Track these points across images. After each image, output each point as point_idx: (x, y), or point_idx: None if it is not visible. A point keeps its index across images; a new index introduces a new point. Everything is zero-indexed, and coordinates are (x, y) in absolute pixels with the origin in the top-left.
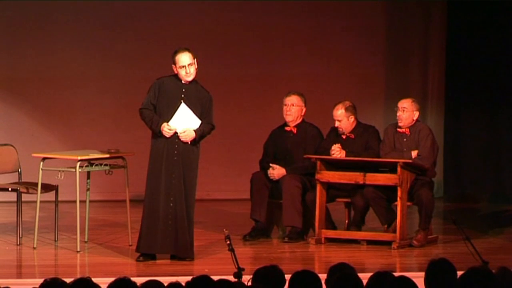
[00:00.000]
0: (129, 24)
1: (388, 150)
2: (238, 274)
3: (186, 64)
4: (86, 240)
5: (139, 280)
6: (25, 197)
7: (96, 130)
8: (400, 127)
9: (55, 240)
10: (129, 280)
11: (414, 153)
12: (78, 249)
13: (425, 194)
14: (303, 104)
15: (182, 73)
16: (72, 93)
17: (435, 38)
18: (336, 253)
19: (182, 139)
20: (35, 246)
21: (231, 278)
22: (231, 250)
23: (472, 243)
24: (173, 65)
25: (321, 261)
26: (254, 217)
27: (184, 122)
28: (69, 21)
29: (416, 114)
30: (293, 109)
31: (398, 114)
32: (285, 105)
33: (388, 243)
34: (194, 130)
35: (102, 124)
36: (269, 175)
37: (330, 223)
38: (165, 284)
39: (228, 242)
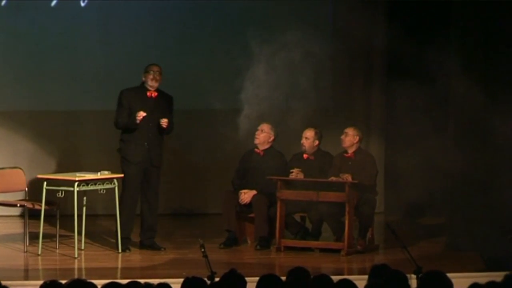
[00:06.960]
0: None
1: (335, 173)
2: (211, 277)
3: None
4: (82, 248)
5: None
6: (31, 212)
7: (92, 154)
8: (346, 152)
9: (56, 248)
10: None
11: (348, 176)
12: (76, 256)
13: (365, 210)
14: (272, 133)
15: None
16: (71, 124)
17: (376, 74)
18: (294, 259)
19: None
20: (39, 253)
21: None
22: (205, 256)
23: (408, 251)
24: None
25: (281, 266)
26: (227, 228)
27: None
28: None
29: (356, 138)
30: (261, 135)
31: (341, 137)
32: (257, 130)
33: (337, 251)
34: None
35: (99, 149)
36: (240, 201)
37: (288, 233)
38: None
39: (203, 250)
